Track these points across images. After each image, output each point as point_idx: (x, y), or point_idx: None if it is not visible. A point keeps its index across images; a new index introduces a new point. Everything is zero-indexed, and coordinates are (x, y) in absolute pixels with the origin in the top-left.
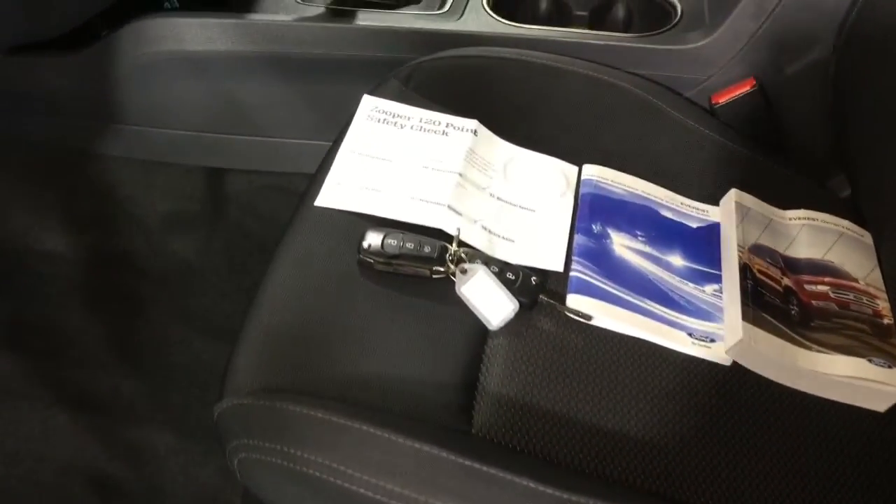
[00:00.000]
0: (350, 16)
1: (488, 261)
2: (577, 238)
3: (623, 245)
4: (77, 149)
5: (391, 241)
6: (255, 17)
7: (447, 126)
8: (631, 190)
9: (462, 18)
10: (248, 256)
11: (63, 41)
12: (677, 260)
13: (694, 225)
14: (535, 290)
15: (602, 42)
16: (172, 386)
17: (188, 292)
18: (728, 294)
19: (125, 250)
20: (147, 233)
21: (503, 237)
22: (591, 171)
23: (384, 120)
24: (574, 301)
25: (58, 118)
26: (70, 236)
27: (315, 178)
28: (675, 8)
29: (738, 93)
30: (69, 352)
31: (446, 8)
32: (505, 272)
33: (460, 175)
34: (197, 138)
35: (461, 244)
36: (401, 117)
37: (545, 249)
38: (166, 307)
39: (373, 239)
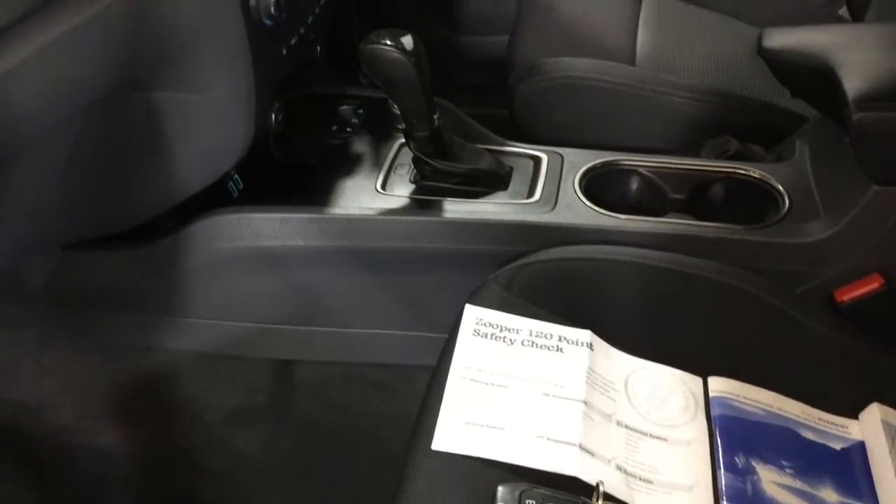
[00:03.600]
0: (435, 207)
1: None
2: (724, 477)
3: (772, 482)
4: (134, 343)
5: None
6: (336, 211)
7: (560, 339)
8: (766, 408)
9: (556, 209)
10: (319, 452)
11: (127, 234)
12: (831, 495)
13: (838, 446)
14: None
15: (713, 235)
16: None
17: (253, 493)
18: None
19: (183, 447)
20: (208, 428)
21: (641, 478)
22: (720, 387)
23: (491, 335)
24: None
25: (115, 312)
26: (123, 432)
27: (426, 411)
28: (781, 195)
29: (864, 291)
30: None
31: (536, 196)
32: None
33: (585, 403)
34: (266, 330)
35: (606, 498)
36: (509, 331)
37: (690, 493)
38: None
39: (507, 500)
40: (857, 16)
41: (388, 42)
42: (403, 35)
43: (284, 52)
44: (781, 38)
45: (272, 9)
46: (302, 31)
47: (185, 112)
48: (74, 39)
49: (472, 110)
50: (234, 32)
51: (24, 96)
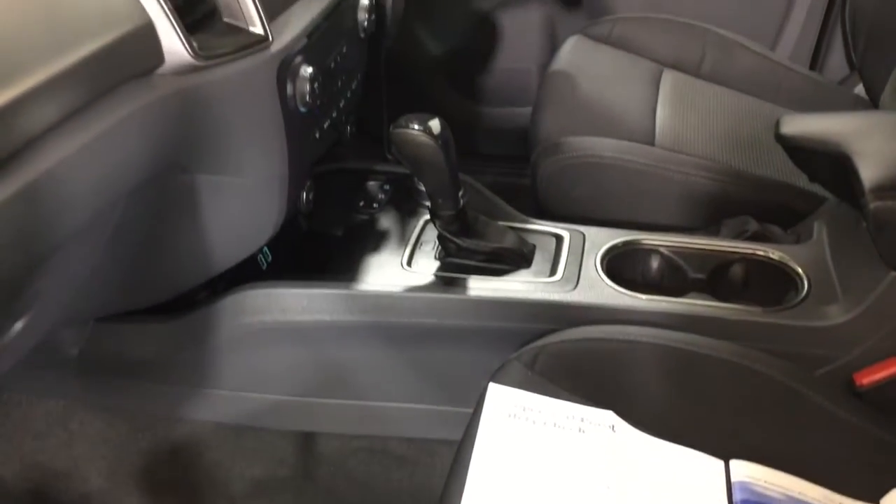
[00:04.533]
0: (459, 284)
1: None
2: None
3: None
4: (162, 413)
5: None
6: (363, 287)
7: (582, 421)
8: (787, 493)
9: (577, 288)
10: None
11: (158, 306)
12: None
13: None
14: None
15: (732, 317)
16: None
17: None
18: None
19: None
20: (230, 499)
21: None
22: (742, 471)
23: (515, 415)
24: None
25: (144, 383)
26: (149, 500)
27: (449, 494)
28: (800, 277)
29: (885, 374)
30: None
31: (559, 276)
32: None
33: (607, 487)
34: (290, 403)
35: None
36: (532, 411)
37: None
38: None
39: None
40: (872, 91)
41: (417, 126)
42: (431, 119)
43: (317, 135)
44: (798, 125)
45: (307, 97)
46: (334, 114)
47: (221, 193)
48: (119, 134)
49: (494, 179)
50: (272, 121)
51: (68, 192)
